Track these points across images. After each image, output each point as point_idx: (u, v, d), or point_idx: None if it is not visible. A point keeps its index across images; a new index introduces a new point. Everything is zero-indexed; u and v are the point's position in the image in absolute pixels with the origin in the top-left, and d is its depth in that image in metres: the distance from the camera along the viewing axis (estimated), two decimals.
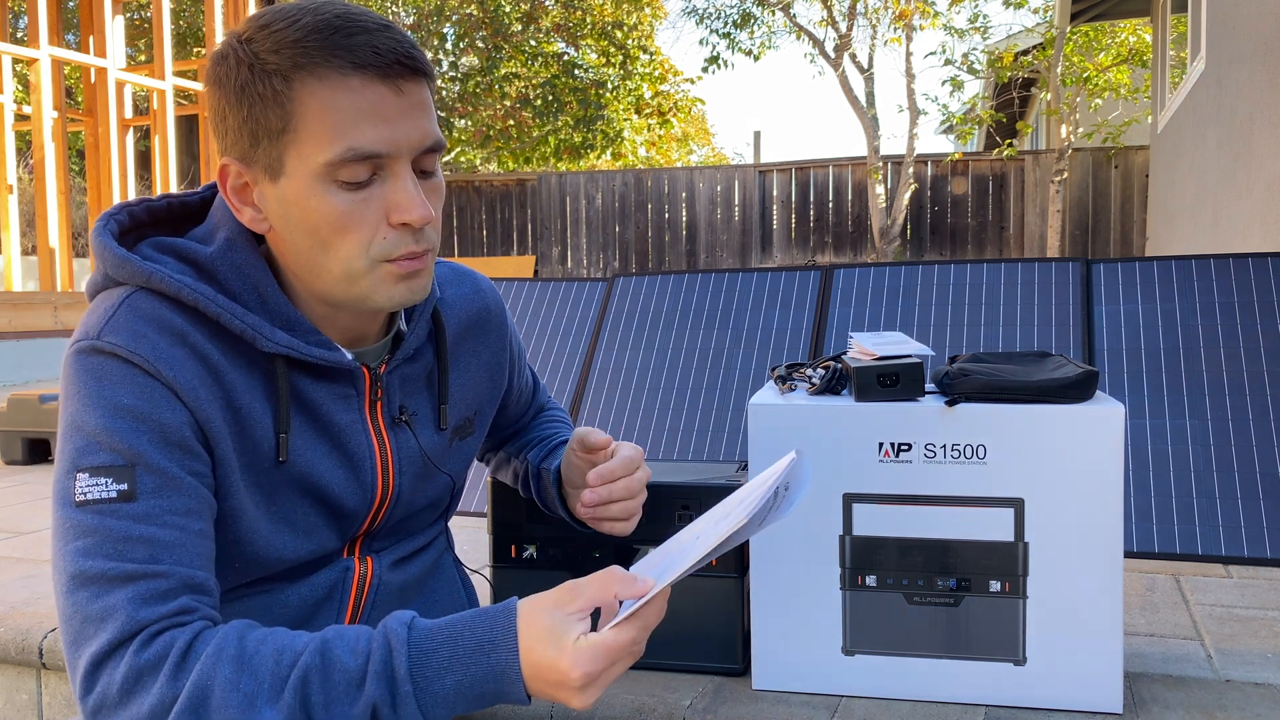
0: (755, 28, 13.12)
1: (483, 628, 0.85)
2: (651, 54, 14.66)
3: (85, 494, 0.87)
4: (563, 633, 0.82)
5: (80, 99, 8.95)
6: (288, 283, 1.01)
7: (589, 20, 14.16)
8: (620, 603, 0.85)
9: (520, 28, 13.98)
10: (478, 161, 15.11)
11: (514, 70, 14.12)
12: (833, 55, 10.97)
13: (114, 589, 0.85)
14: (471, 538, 2.12)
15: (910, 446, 1.25)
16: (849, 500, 1.28)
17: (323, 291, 0.98)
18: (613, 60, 14.33)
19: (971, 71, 11.14)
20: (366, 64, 0.89)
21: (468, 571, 1.32)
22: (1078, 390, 1.23)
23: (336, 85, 0.89)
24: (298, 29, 0.90)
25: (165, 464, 0.89)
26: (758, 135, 12.80)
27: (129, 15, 13.45)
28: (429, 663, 0.84)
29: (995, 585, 1.25)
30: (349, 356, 1.01)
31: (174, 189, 7.09)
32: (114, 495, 0.87)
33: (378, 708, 0.83)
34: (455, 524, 2.23)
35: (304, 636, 0.86)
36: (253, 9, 7.46)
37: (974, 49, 12.55)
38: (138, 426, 0.89)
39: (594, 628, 0.84)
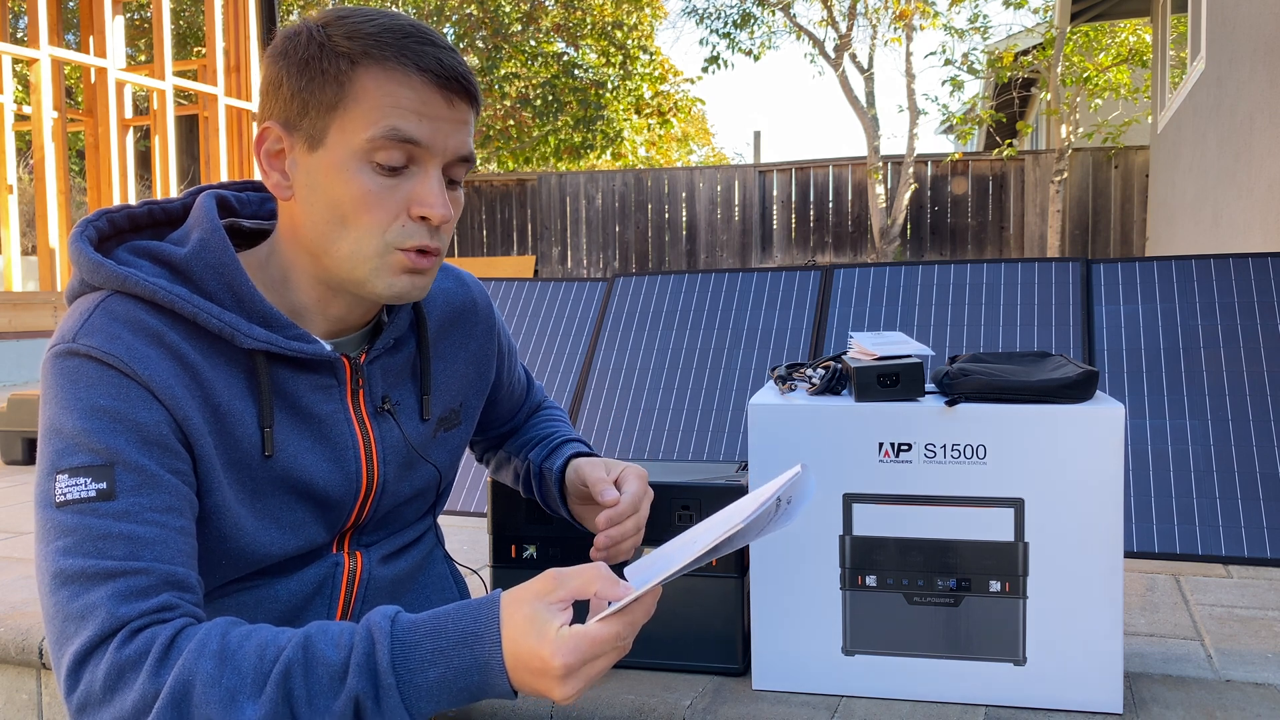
0: (755, 28, 13.11)
1: (466, 620, 0.85)
2: (651, 54, 14.65)
3: (65, 494, 0.88)
4: (545, 621, 0.82)
5: (80, 99, 8.95)
6: (273, 276, 1.03)
7: (589, 20, 14.15)
8: (608, 602, 0.85)
9: (520, 28, 13.98)
10: (478, 161, 15.11)
11: (514, 70, 14.12)
12: (833, 55, 10.97)
13: (94, 586, 0.85)
14: (471, 538, 2.12)
15: (910, 446, 1.25)
16: (849, 500, 1.28)
17: (326, 269, 1.00)
18: (613, 60, 14.33)
19: (971, 71, 11.14)
20: (428, 69, 0.96)
21: (459, 567, 1.33)
22: (1078, 390, 1.23)
23: (397, 78, 0.95)
24: (375, 25, 0.96)
25: (144, 462, 0.90)
26: (758, 135, 12.79)
27: (129, 15, 13.45)
28: (412, 655, 0.84)
29: (995, 585, 1.25)
30: (328, 348, 1.02)
31: (174, 189, 7.09)
32: (93, 494, 0.88)
33: (360, 701, 0.83)
34: (455, 524, 2.23)
35: (288, 633, 0.86)
36: (253, 9, 7.47)
37: (974, 49, 12.56)
38: (114, 426, 0.89)
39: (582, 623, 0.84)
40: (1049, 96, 9.68)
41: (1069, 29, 9.93)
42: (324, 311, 1.04)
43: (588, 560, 1.36)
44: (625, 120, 14.53)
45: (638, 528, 1.16)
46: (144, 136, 12.02)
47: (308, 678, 0.83)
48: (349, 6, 1.00)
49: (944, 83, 11.47)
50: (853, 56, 11.05)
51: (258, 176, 1.06)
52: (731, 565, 1.34)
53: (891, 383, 1.27)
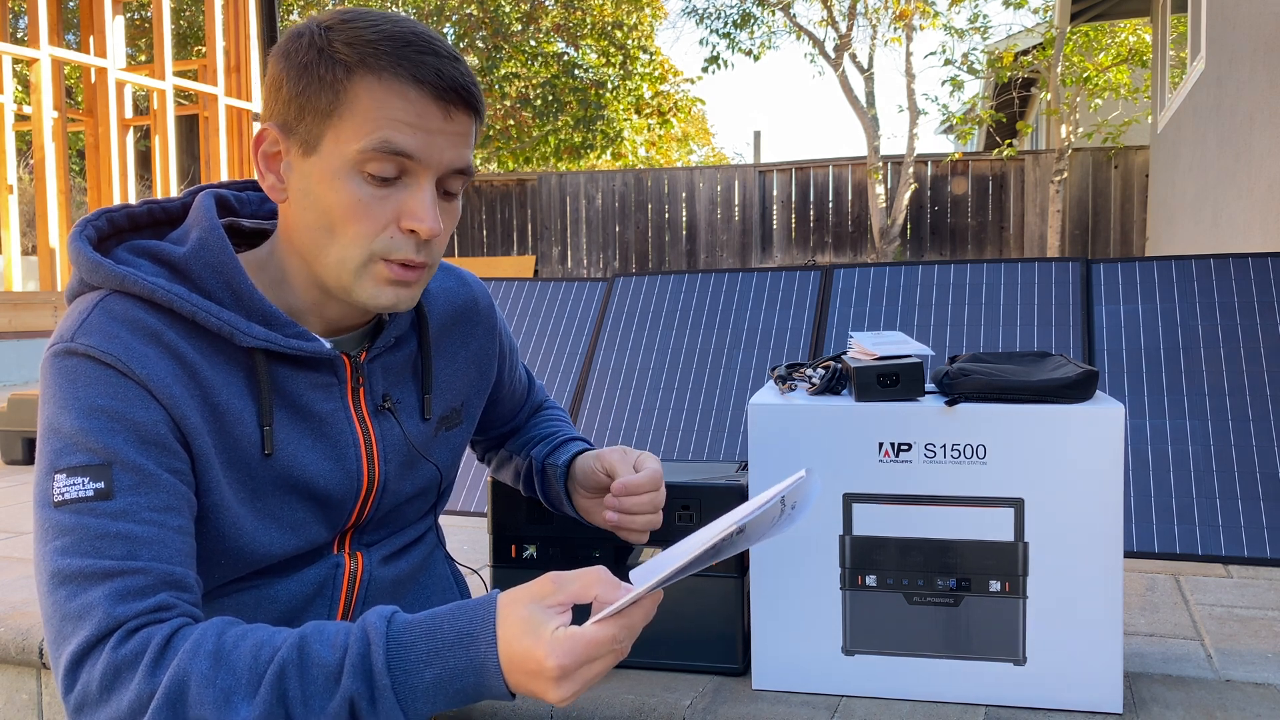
0: (755, 28, 13.12)
1: (462, 620, 0.85)
2: (651, 54, 14.65)
3: (63, 494, 0.88)
4: (540, 623, 0.82)
5: (80, 99, 8.95)
6: (272, 276, 1.03)
7: (589, 20, 14.16)
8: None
9: (520, 28, 13.98)
10: (478, 161, 15.12)
11: (514, 70, 14.12)
12: (833, 55, 10.97)
13: (91, 586, 0.85)
14: (471, 538, 2.12)
15: (910, 446, 1.25)
16: (849, 500, 1.28)
17: (317, 273, 1.00)
18: (613, 60, 14.33)
19: (971, 71, 11.14)
20: (425, 80, 0.94)
21: (459, 568, 1.33)
22: (1078, 390, 1.23)
23: (393, 89, 0.94)
24: (376, 32, 0.95)
25: (142, 462, 0.90)
26: (758, 135, 12.80)
27: (129, 15, 13.44)
28: (408, 656, 0.83)
29: (995, 585, 1.25)
30: (328, 345, 1.02)
31: (174, 189, 7.09)
32: (91, 494, 0.88)
33: (355, 702, 0.82)
34: (455, 524, 2.23)
35: (284, 633, 0.86)
36: (253, 9, 7.47)
37: (974, 49, 12.56)
38: (112, 426, 0.89)
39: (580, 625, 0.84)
40: (1049, 96, 9.68)
41: (1069, 29, 9.93)
42: (320, 313, 1.04)
43: (589, 562, 1.36)
44: (625, 120, 14.54)
45: (654, 506, 1.16)
46: (144, 136, 12.02)
47: (303, 678, 0.83)
48: (355, 9, 0.99)
49: (944, 83, 11.48)
50: (853, 56, 11.05)
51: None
52: (731, 565, 1.34)
53: (891, 383, 1.27)
